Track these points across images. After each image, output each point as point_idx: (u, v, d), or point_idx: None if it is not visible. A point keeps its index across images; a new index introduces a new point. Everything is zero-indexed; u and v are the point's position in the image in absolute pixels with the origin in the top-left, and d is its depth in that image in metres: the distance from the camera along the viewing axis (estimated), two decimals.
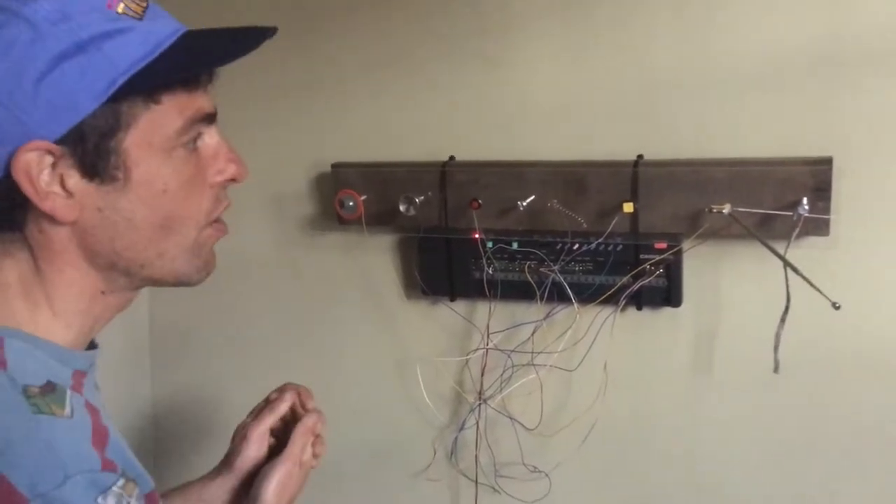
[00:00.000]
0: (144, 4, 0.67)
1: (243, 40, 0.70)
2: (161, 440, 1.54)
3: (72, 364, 0.69)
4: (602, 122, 1.16)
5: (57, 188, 0.64)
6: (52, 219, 0.65)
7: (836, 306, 0.93)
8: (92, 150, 0.64)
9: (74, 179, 0.65)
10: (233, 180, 0.74)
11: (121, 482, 0.62)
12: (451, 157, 1.24)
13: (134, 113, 0.65)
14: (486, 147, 1.22)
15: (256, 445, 0.95)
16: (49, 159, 0.63)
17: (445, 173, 1.21)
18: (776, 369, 1.04)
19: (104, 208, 0.66)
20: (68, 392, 0.65)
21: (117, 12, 0.64)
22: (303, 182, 1.34)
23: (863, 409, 1.11)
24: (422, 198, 1.22)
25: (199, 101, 0.69)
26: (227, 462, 0.95)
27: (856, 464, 1.13)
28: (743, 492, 1.19)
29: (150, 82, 0.65)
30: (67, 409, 0.63)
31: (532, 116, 1.20)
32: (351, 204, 1.25)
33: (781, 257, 1.00)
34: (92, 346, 0.74)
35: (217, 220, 0.74)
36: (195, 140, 0.70)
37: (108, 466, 0.62)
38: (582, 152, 1.17)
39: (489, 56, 1.20)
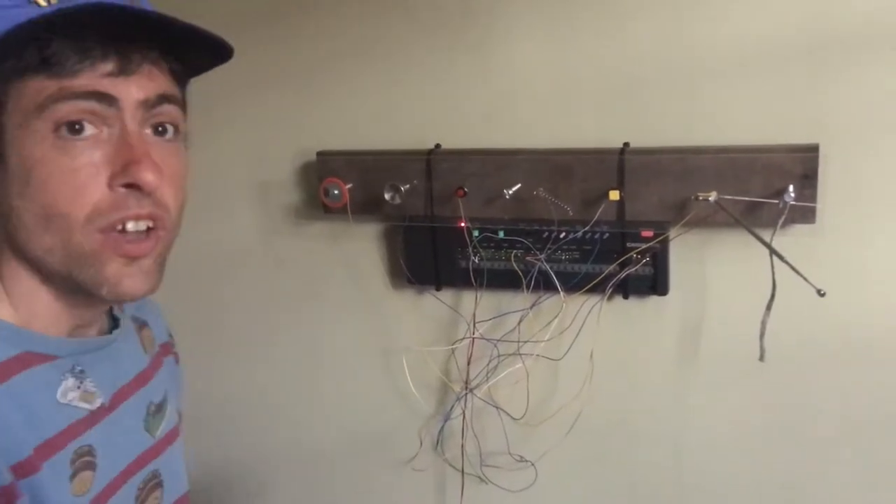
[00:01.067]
0: None
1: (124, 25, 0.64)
2: None
3: (21, 345, 0.67)
4: (588, 110, 1.15)
5: None
6: None
7: (820, 293, 0.93)
8: None
9: None
10: (132, 186, 0.65)
11: None
12: (437, 145, 1.23)
13: (4, 88, 0.63)
14: (472, 135, 1.21)
15: None
16: None
17: (431, 161, 1.20)
18: (762, 357, 1.03)
19: None
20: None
21: None
22: (288, 170, 1.33)
23: (848, 396, 1.11)
24: (407, 186, 1.21)
25: (80, 81, 0.63)
26: None
27: (842, 451, 1.13)
28: (729, 479, 1.19)
29: (4, 52, 0.62)
30: None
31: (518, 104, 1.19)
32: (336, 192, 1.24)
33: (767, 245, 1.00)
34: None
35: (116, 231, 0.66)
36: (76, 126, 0.64)
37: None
38: (568, 140, 1.16)
39: (475, 43, 1.19)
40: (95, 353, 0.74)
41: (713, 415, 1.18)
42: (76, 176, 0.64)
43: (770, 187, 1.05)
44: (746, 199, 1.05)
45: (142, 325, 0.86)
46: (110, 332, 0.78)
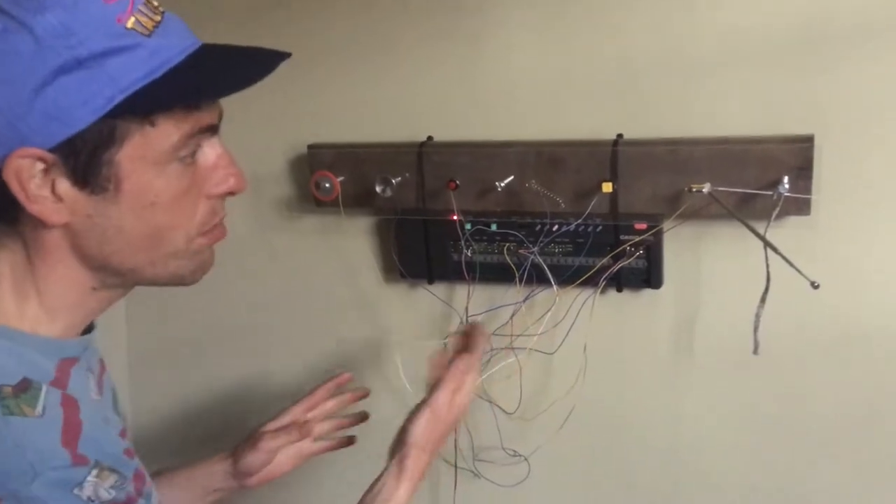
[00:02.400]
0: (157, 19, 0.67)
1: (253, 65, 0.71)
2: (140, 428, 1.52)
3: (58, 354, 0.70)
4: (581, 101, 1.14)
5: (46, 192, 0.65)
6: (42, 221, 0.66)
7: (814, 286, 0.92)
8: (84, 161, 0.65)
9: (65, 186, 0.66)
10: (230, 193, 0.74)
11: (94, 472, 0.65)
12: (429, 138, 1.22)
13: (129, 130, 0.66)
14: (464, 127, 1.20)
15: (263, 457, 1.01)
16: (40, 166, 0.64)
17: (423, 154, 1.19)
18: (755, 350, 1.02)
19: (94, 215, 0.67)
20: (44, 389, 0.66)
21: (126, 27, 0.65)
22: (279, 164, 1.32)
23: (843, 390, 1.10)
24: (399, 179, 1.20)
25: (201, 116, 0.69)
26: (232, 455, 1.01)
27: (836, 445, 1.13)
28: (724, 474, 1.18)
29: (148, 104, 0.66)
30: (39, 409, 0.64)
31: (511, 95, 1.17)
32: (327, 185, 1.23)
33: (760, 237, 0.99)
34: (88, 329, 0.76)
35: (215, 225, 0.74)
36: (193, 153, 0.70)
37: (78, 461, 0.64)
38: (561, 132, 1.15)
39: (467, 34, 1.17)
40: (90, 349, 0.77)
41: (707, 409, 1.17)
42: (187, 195, 0.70)
43: (764, 179, 1.04)
44: (740, 190, 1.04)
45: None
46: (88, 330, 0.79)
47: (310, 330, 1.37)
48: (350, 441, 1.10)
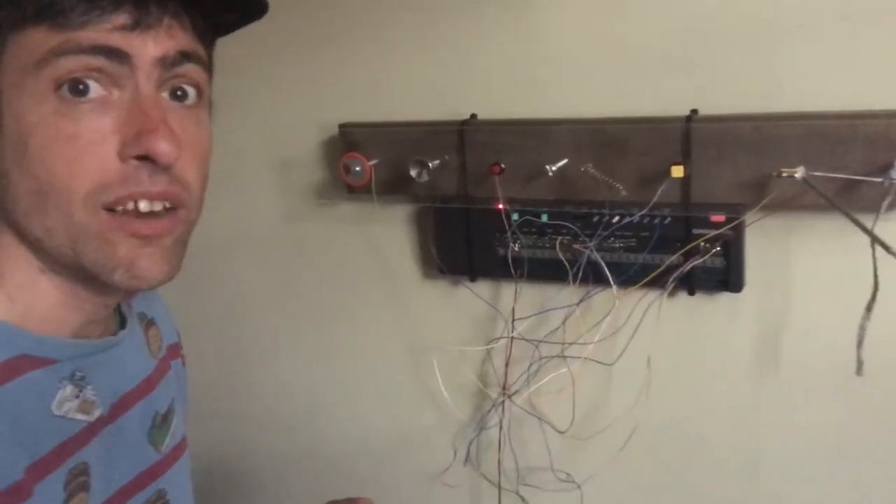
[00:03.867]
0: None
1: None
2: None
3: (17, 347, 0.58)
4: (644, 73, 0.97)
5: None
6: None
7: None
8: None
9: None
10: (146, 158, 0.56)
11: None
12: (473, 116, 1.07)
13: (4, 30, 0.55)
14: (510, 104, 1.05)
15: None
16: None
17: (464, 133, 1.04)
18: (859, 370, 0.84)
19: None
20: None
21: None
22: (309, 146, 1.19)
23: None
24: (437, 162, 1.05)
25: (87, 34, 0.55)
26: None
27: None
28: (808, 498, 1.00)
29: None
30: None
31: (562, 68, 1.02)
32: (358, 169, 1.10)
33: (868, 232, 0.81)
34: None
35: (126, 209, 0.57)
36: (81, 86, 0.55)
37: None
38: (622, 108, 0.99)
39: (510, 2, 1.02)
40: (98, 357, 0.64)
41: (794, 434, 0.99)
42: (76, 143, 0.55)
43: (871, 162, 0.86)
44: (841, 176, 0.86)
45: (149, 322, 0.76)
46: (116, 332, 0.67)
47: (341, 329, 1.24)
48: None
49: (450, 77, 1.08)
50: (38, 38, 0.55)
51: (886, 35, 0.86)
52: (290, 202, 1.22)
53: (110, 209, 0.57)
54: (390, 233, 1.16)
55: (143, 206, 0.57)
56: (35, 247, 0.59)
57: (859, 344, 0.84)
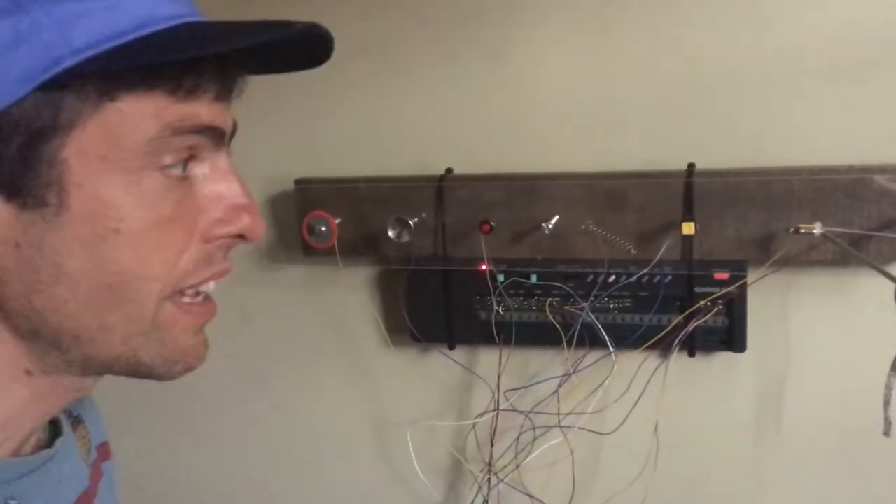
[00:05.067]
0: None
1: (271, 30, 0.47)
2: None
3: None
4: (637, 125, 0.93)
5: None
6: None
7: None
8: (14, 154, 0.43)
9: None
10: (242, 237, 0.51)
11: None
12: (449, 170, 0.99)
13: (80, 110, 0.44)
14: (491, 157, 0.98)
15: None
16: None
17: (443, 189, 0.97)
18: (887, 431, 0.81)
19: (24, 244, 0.45)
20: None
21: None
22: (257, 202, 1.07)
23: None
24: (415, 220, 0.97)
25: (198, 109, 0.47)
26: None
27: None
28: None
29: (109, 71, 0.43)
30: None
31: (549, 118, 0.96)
32: (324, 229, 0.99)
33: None
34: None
35: (201, 296, 0.51)
36: (186, 165, 0.48)
37: None
38: (614, 162, 0.94)
39: (491, 46, 0.96)
40: (33, 476, 0.51)
41: (799, 495, 0.95)
42: (172, 226, 0.47)
43: (880, 218, 0.85)
44: (859, 231, 0.84)
45: (76, 420, 0.63)
46: (51, 441, 0.55)
47: (299, 407, 1.11)
48: None
49: (422, 128, 1.00)
50: (150, 108, 0.45)
51: (879, 90, 0.85)
52: (236, 265, 1.09)
53: (172, 296, 0.48)
54: (353, 298, 1.06)
55: (211, 287, 0.51)
56: (37, 343, 0.47)
57: (886, 403, 0.81)
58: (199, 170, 0.49)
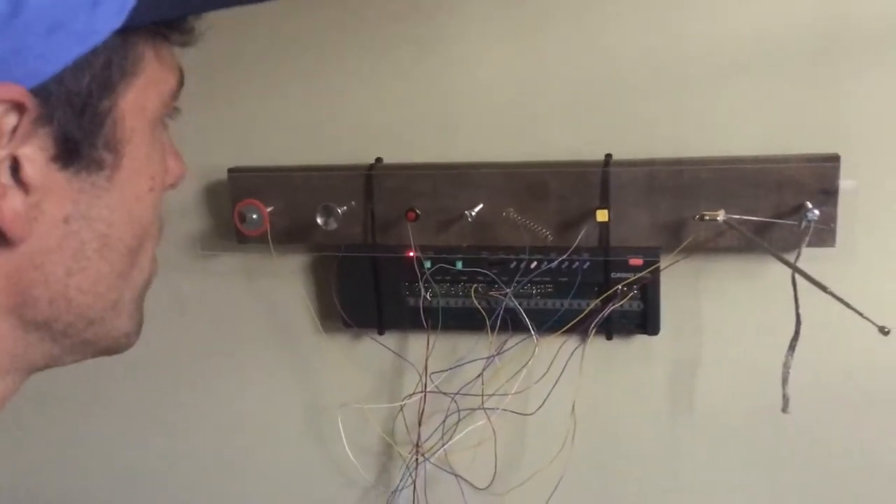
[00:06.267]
0: None
1: None
2: None
3: None
4: (559, 116, 0.97)
5: (6, 177, 0.37)
6: None
7: (884, 331, 0.76)
8: (80, 112, 0.38)
9: (40, 164, 0.37)
10: (171, 185, 0.50)
11: None
12: (378, 160, 1.02)
13: (139, 57, 0.41)
14: (420, 147, 1.01)
15: None
16: (12, 120, 0.36)
17: (372, 178, 0.99)
18: (784, 408, 0.87)
19: (72, 218, 0.40)
20: None
21: None
22: (190, 192, 1.09)
23: (882, 453, 0.95)
24: (343, 208, 0.99)
25: (178, 59, 0.47)
26: None
27: None
28: None
29: (160, 13, 0.40)
30: None
31: (475, 110, 0.99)
32: (255, 217, 1.01)
33: (804, 274, 0.83)
34: None
35: None
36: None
37: None
38: (537, 152, 0.97)
39: (421, 39, 0.99)
40: None
41: (712, 474, 1.00)
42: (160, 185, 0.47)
43: (781, 205, 0.89)
44: (757, 219, 0.89)
45: None
46: None
47: (231, 393, 1.13)
48: None
49: (353, 118, 1.03)
50: (171, 58, 0.45)
51: (788, 86, 0.90)
52: (168, 254, 1.10)
53: None
54: (286, 285, 1.08)
55: None
56: (38, 341, 0.43)
57: (784, 381, 0.87)
58: None
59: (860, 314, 0.76)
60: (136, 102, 0.41)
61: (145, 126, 0.43)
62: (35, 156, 0.37)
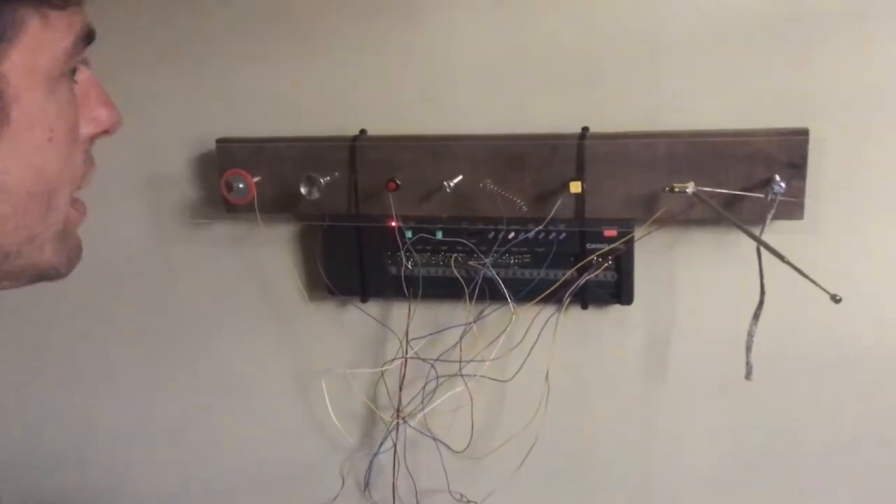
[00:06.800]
0: None
1: None
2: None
3: None
4: (539, 90, 0.99)
5: None
6: None
7: (836, 299, 0.79)
8: None
9: None
10: (105, 132, 0.56)
11: None
12: (362, 131, 1.04)
13: (20, 21, 0.46)
14: (403, 119, 1.03)
15: None
16: None
17: (356, 149, 1.02)
18: (748, 374, 0.89)
19: None
20: None
21: None
22: (181, 162, 1.12)
23: (843, 417, 0.98)
24: (327, 179, 1.02)
25: (83, 17, 0.51)
26: None
27: (833, 479, 1.00)
28: None
29: None
30: None
31: (457, 83, 1.01)
32: (241, 186, 1.04)
33: (759, 240, 0.86)
34: None
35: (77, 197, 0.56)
36: (74, 71, 0.52)
37: None
38: (517, 125, 1.00)
39: (404, 11, 1.01)
40: None
41: (686, 441, 1.03)
42: (74, 131, 0.52)
43: (752, 178, 0.91)
44: (727, 191, 0.91)
45: None
46: None
47: (220, 357, 1.16)
48: None
49: (338, 90, 1.05)
50: (66, 21, 0.49)
51: (761, 59, 0.92)
52: (161, 223, 1.14)
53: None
54: (273, 253, 1.11)
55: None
56: None
57: (748, 350, 0.89)
58: (80, 75, 0.53)
59: (814, 283, 0.79)
60: (22, 64, 0.46)
61: (39, 83, 0.48)
62: None
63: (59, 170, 0.50)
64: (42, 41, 0.47)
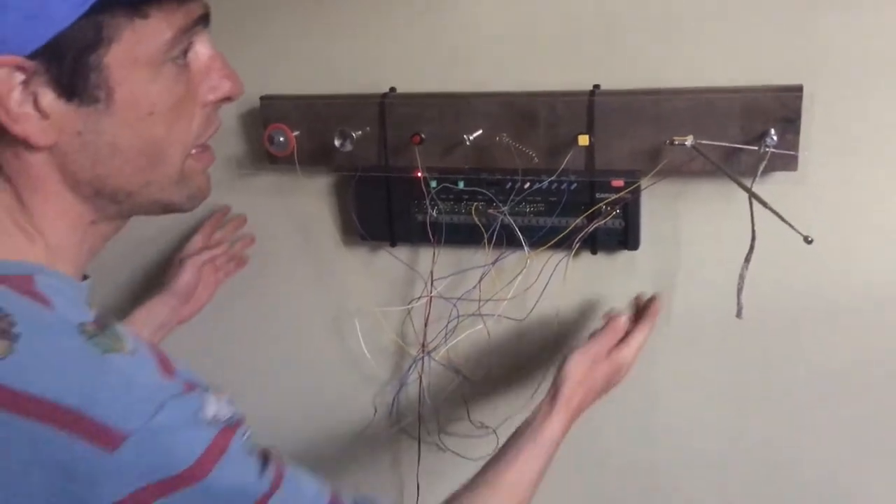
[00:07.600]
0: None
1: None
2: None
3: (82, 297, 0.65)
4: (555, 51, 1.06)
5: (30, 109, 0.59)
6: (27, 143, 0.60)
7: (808, 240, 0.86)
8: (69, 66, 0.59)
9: (49, 99, 0.59)
10: (227, 99, 0.69)
11: (206, 394, 0.62)
12: (392, 89, 1.13)
13: (118, 27, 0.59)
14: (429, 78, 1.12)
15: (191, 272, 1.13)
16: (19, 76, 0.58)
17: (385, 106, 1.11)
18: (739, 314, 0.97)
19: (84, 132, 0.61)
20: (118, 325, 0.61)
21: None
22: (229, 117, 1.22)
23: (833, 354, 1.05)
24: (359, 133, 1.11)
25: (191, 6, 0.63)
26: (166, 286, 1.12)
27: (825, 414, 1.08)
28: (702, 443, 1.13)
29: None
30: (129, 346, 0.60)
31: (479, 44, 1.09)
32: (282, 139, 1.14)
33: (747, 189, 0.93)
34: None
35: (203, 146, 0.70)
36: (185, 52, 0.65)
37: (187, 388, 0.61)
38: (534, 83, 1.07)
39: None
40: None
41: (687, 376, 1.11)
42: (184, 102, 0.65)
43: (749, 132, 0.98)
44: (724, 144, 0.97)
45: None
46: None
47: (265, 297, 1.28)
48: (243, 261, 1.23)
49: (370, 52, 1.14)
50: (165, 17, 0.61)
51: (760, 18, 0.97)
52: (212, 173, 1.25)
53: (195, 150, 0.69)
54: (311, 202, 1.21)
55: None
56: (99, 200, 0.65)
57: (739, 291, 0.96)
58: (193, 53, 0.65)
59: (790, 225, 0.86)
60: (124, 57, 0.60)
61: (141, 69, 0.61)
62: (45, 94, 0.59)
63: (164, 134, 0.64)
64: (142, 36, 0.60)
